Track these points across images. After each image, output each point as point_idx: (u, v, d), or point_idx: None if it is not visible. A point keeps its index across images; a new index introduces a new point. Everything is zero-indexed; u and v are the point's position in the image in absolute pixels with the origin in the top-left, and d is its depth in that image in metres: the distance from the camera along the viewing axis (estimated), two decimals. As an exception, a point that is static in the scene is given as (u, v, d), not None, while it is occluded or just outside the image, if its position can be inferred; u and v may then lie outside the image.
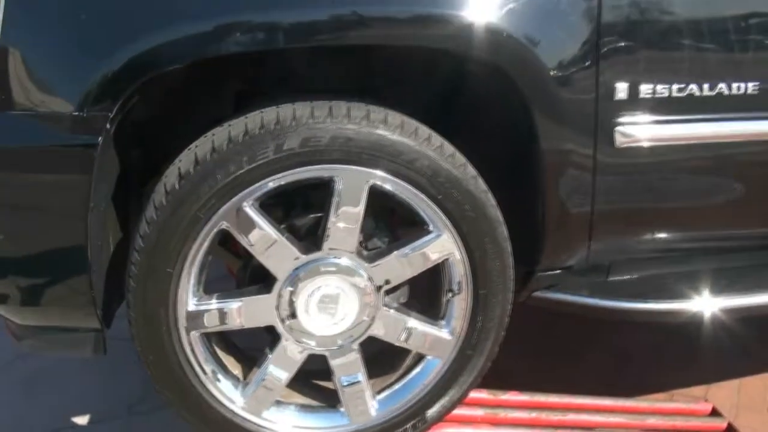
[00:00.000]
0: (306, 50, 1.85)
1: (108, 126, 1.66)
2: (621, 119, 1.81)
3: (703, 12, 1.83)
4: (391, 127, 1.73)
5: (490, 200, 1.79)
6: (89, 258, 1.74)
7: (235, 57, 1.72)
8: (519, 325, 2.51)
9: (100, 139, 1.65)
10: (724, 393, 2.49)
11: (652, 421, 2.23)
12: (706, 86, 1.84)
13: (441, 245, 1.80)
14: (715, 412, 2.34)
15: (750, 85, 1.87)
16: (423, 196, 1.76)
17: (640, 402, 2.32)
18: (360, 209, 1.75)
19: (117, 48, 1.65)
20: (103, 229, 1.81)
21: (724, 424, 2.28)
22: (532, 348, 2.63)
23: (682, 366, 2.60)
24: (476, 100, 1.93)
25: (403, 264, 1.81)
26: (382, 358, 1.95)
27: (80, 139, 1.67)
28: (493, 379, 2.13)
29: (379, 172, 1.73)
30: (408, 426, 1.91)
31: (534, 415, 2.13)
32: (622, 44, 1.79)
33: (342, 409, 1.89)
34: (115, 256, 1.86)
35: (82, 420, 2.42)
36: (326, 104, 1.74)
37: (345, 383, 1.87)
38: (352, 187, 1.73)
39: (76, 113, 1.65)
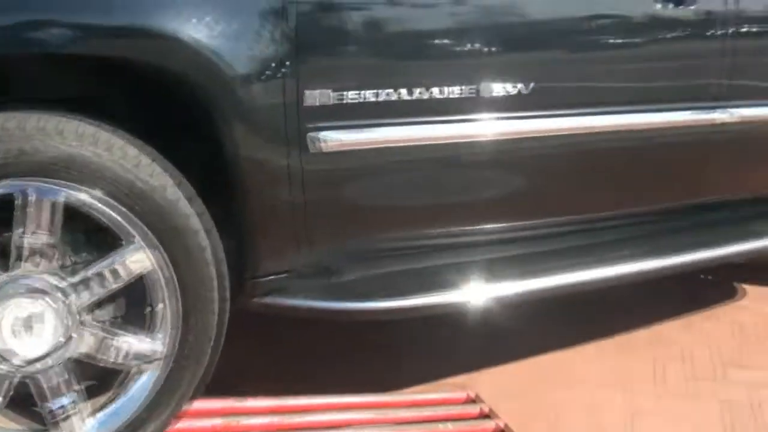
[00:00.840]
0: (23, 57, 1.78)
1: None
2: (315, 125, 1.82)
3: (391, 19, 1.85)
4: (78, 139, 1.69)
5: (180, 210, 1.78)
6: None
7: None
8: (276, 331, 2.56)
9: None
10: (487, 380, 2.54)
11: (405, 414, 2.25)
12: (403, 91, 1.86)
13: (136, 258, 1.77)
14: (472, 400, 2.38)
15: (454, 89, 1.90)
16: (112, 208, 1.73)
17: (393, 395, 2.34)
18: (50, 225, 1.70)
19: None
20: None
21: (477, 410, 2.32)
22: (291, 352, 2.64)
23: (447, 357, 2.65)
24: (180, 111, 1.90)
25: (101, 280, 1.77)
26: (97, 377, 1.90)
27: None
28: (249, 386, 2.16)
29: (67, 186, 1.69)
30: (128, 443, 1.88)
31: (276, 419, 2.12)
32: (310, 52, 1.80)
33: (55, 433, 1.84)
34: None
35: None
36: (16, 116, 1.68)
37: (55, 406, 1.81)
38: (41, 202, 1.69)
39: None
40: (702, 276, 3.36)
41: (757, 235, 2.83)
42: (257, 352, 2.59)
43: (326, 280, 2.02)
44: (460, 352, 2.67)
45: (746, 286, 3.35)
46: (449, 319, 2.42)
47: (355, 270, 2.06)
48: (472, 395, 2.39)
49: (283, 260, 1.95)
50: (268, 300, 2.00)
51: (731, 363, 2.73)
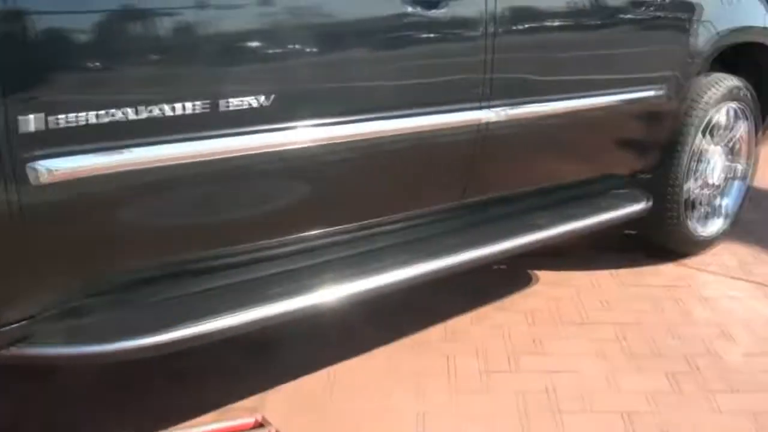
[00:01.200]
0: None
1: None
2: (33, 154, 1.67)
3: (108, 35, 1.73)
4: None
5: None
6: None
7: None
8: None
9: None
10: (279, 399, 2.45)
11: (189, 448, 2.14)
12: (129, 111, 1.74)
13: None
14: (260, 424, 2.30)
15: (187, 105, 1.80)
16: None
17: (175, 429, 2.22)
18: None
19: None
20: None
21: (266, 433, 2.25)
22: (62, 395, 2.47)
23: (235, 381, 2.54)
24: None
25: None
26: None
27: None
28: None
29: None
30: None
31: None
32: (18, 74, 1.64)
33: None
34: None
35: None
36: None
37: None
38: None
39: None
40: (494, 266, 3.41)
41: (540, 227, 2.91)
42: (27, 401, 2.41)
43: (75, 322, 1.87)
44: (249, 374, 2.56)
45: (537, 272, 3.40)
46: (234, 341, 2.32)
47: (109, 307, 1.91)
48: (260, 419, 2.31)
49: (18, 306, 1.78)
50: (14, 351, 1.82)
51: (524, 351, 2.74)
